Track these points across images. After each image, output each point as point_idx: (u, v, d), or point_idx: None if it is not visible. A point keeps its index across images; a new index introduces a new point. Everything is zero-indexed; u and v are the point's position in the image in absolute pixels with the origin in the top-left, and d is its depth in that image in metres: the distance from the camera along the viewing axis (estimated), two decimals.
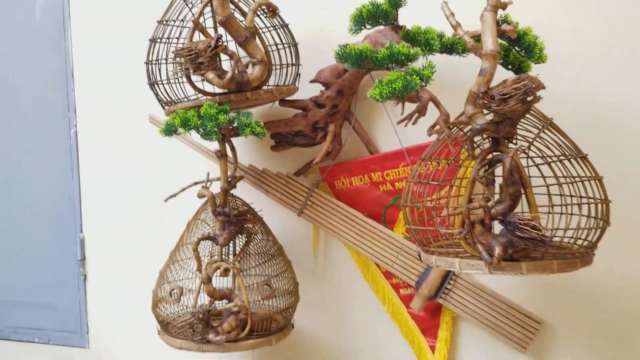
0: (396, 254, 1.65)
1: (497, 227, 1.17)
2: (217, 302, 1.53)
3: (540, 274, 1.13)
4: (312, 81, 1.65)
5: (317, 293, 1.81)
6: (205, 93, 1.52)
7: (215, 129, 1.44)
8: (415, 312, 1.65)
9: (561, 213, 1.20)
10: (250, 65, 1.54)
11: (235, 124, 1.50)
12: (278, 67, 1.60)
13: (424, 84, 1.15)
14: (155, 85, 1.59)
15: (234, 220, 1.53)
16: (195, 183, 1.66)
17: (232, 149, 1.61)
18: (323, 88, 1.66)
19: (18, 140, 2.25)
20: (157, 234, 2.01)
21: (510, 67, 1.37)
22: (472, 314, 1.57)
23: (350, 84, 1.65)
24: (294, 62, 1.62)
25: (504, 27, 1.27)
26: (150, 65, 1.58)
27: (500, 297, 1.56)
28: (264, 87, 1.55)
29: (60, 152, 2.17)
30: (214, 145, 1.64)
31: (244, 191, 1.76)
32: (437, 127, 1.20)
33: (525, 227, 1.10)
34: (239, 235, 1.60)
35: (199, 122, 1.45)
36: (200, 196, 1.58)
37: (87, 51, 2.12)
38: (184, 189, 1.65)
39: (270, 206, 1.78)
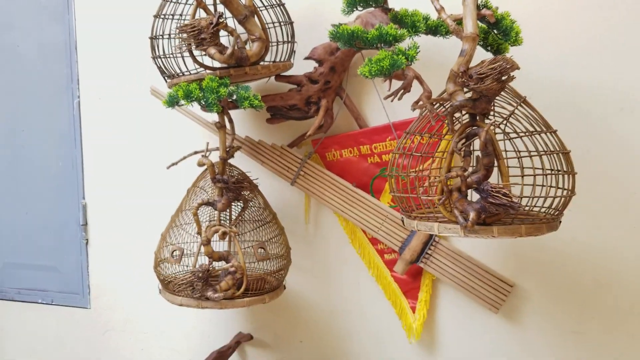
0: (382, 221, 1.76)
1: (475, 197, 1.29)
2: (215, 263, 1.64)
3: (509, 237, 1.25)
4: (306, 58, 1.75)
5: (308, 257, 1.93)
6: (206, 67, 1.62)
7: (216, 101, 1.54)
8: (398, 276, 1.77)
9: (533, 185, 1.32)
10: (249, 42, 1.64)
11: (234, 97, 1.60)
12: (274, 44, 1.70)
13: (409, 63, 1.26)
14: (159, 59, 1.68)
15: (232, 187, 1.64)
16: (195, 152, 1.75)
17: (230, 120, 1.70)
18: (317, 65, 1.75)
19: (23, 109, 2.30)
20: (156, 201, 2.10)
21: (489, 48, 1.47)
22: (450, 277, 1.70)
23: (342, 62, 1.74)
24: (289, 39, 1.72)
25: (484, 11, 1.38)
26: (154, 40, 1.68)
27: (476, 262, 1.69)
28: (262, 63, 1.65)
29: (64, 121, 2.23)
30: (213, 117, 1.73)
31: (241, 161, 1.86)
32: (420, 102, 1.31)
33: (497, 194, 1.22)
34: (236, 201, 1.70)
35: (200, 95, 1.55)
36: (200, 164, 1.68)
37: (91, 24, 2.18)
38: (184, 158, 1.75)
39: (265, 175, 1.89)
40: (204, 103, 1.57)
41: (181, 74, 1.66)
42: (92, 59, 2.20)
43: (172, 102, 1.60)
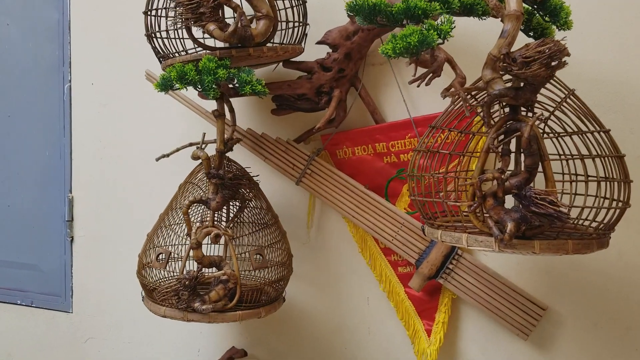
0: (397, 229, 1.56)
1: (510, 203, 1.09)
2: (205, 269, 1.45)
3: (553, 254, 1.05)
4: (319, 42, 1.56)
5: (311, 266, 1.74)
6: (205, 47, 1.43)
7: (214, 86, 1.36)
8: (413, 292, 1.57)
9: (585, 193, 1.11)
10: (254, 20, 1.45)
11: (235, 82, 1.41)
12: (283, 27, 1.51)
13: (440, 40, 1.06)
14: (154, 38, 1.50)
15: (228, 183, 1.45)
16: (190, 144, 1.58)
17: (231, 110, 1.52)
18: (330, 50, 1.57)
19: (9, 93, 2.18)
20: (149, 196, 1.94)
21: (532, 33, 1.28)
22: (473, 297, 1.49)
23: (359, 47, 1.56)
24: (300, 20, 1.53)
25: None
26: (149, 16, 1.49)
27: (504, 280, 1.48)
28: (268, 45, 1.46)
29: (53, 107, 2.10)
30: (213, 105, 1.56)
31: (241, 156, 1.67)
32: (453, 89, 1.11)
33: (542, 202, 1.02)
34: (233, 201, 1.51)
35: (196, 77, 1.37)
36: (195, 157, 1.50)
37: (86, 2, 2.04)
38: (177, 149, 1.58)
39: (268, 173, 1.70)
40: (199, 87, 1.38)
41: (177, 54, 1.47)
42: (85, 40, 2.05)
43: (165, 85, 1.43)
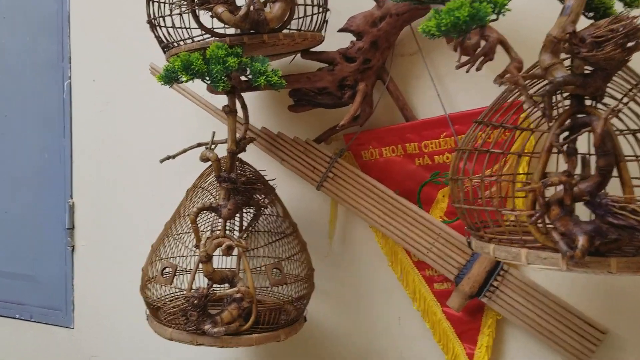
0: (433, 240, 1.38)
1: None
2: (216, 285, 1.29)
3: (633, 274, 0.87)
4: (341, 30, 1.39)
5: (334, 282, 1.57)
6: (213, 33, 1.26)
7: (223, 77, 1.19)
8: (452, 312, 1.39)
9: None
10: (268, 4, 1.28)
11: (248, 73, 1.24)
12: (301, 10, 1.33)
13: (494, 16, 0.88)
14: (156, 26, 1.33)
15: (241, 188, 1.28)
16: (199, 144, 1.44)
17: (244, 105, 1.35)
18: (354, 39, 1.40)
19: (5, 91, 2.07)
20: (156, 202, 1.81)
21: (592, 13, 1.09)
22: (522, 318, 1.31)
23: (387, 35, 1.38)
24: (320, 4, 1.35)
25: None
26: (151, 1, 1.33)
27: (557, 299, 1.29)
28: (284, 31, 1.29)
29: (52, 106, 1.98)
30: (223, 101, 1.40)
31: (254, 157, 1.50)
32: (508, 75, 0.93)
33: (621, 212, 0.83)
34: (247, 207, 1.34)
35: (204, 67, 1.20)
36: (204, 159, 1.34)
37: None
38: (184, 150, 1.44)
39: (284, 176, 1.53)
40: (208, 79, 1.21)
41: (183, 42, 1.30)
42: (86, 33, 1.93)
43: (169, 77, 1.27)
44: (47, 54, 1.97)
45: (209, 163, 1.35)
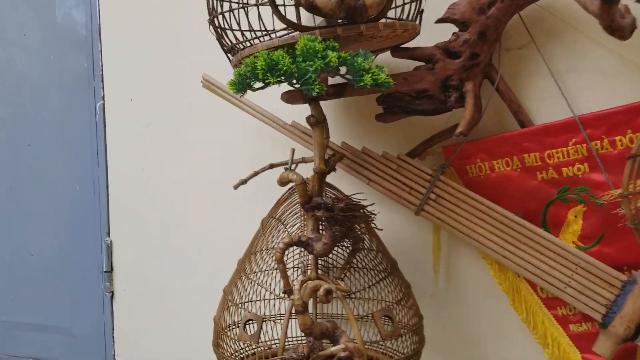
0: (571, 272, 1.13)
1: None
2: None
3: None
4: (441, 20, 1.18)
5: (441, 328, 1.34)
6: (298, 27, 1.03)
7: (319, 76, 0.96)
8: (596, 359, 1.13)
9: None
10: None
11: (344, 72, 1.00)
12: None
13: None
14: (218, 28, 1.11)
15: (340, 217, 1.03)
16: (272, 165, 1.25)
17: (324, 117, 1.12)
18: (457, 30, 1.18)
19: (28, 117, 1.95)
20: (209, 238, 1.63)
21: None
22: None
23: (497, 24, 1.17)
24: None
25: None
26: None
27: None
28: (383, 21, 1.06)
29: (83, 132, 1.86)
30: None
31: (335, 178, 1.27)
32: None
33: None
34: (345, 240, 1.09)
35: (292, 67, 0.96)
36: (283, 182, 1.12)
37: (119, 2, 1.76)
38: (256, 173, 1.26)
39: (372, 200, 1.29)
40: (298, 82, 0.99)
41: (255, 40, 1.08)
42: (120, 47, 1.78)
43: (243, 83, 1.05)
44: (76, 73, 1.84)
45: (290, 185, 1.12)
